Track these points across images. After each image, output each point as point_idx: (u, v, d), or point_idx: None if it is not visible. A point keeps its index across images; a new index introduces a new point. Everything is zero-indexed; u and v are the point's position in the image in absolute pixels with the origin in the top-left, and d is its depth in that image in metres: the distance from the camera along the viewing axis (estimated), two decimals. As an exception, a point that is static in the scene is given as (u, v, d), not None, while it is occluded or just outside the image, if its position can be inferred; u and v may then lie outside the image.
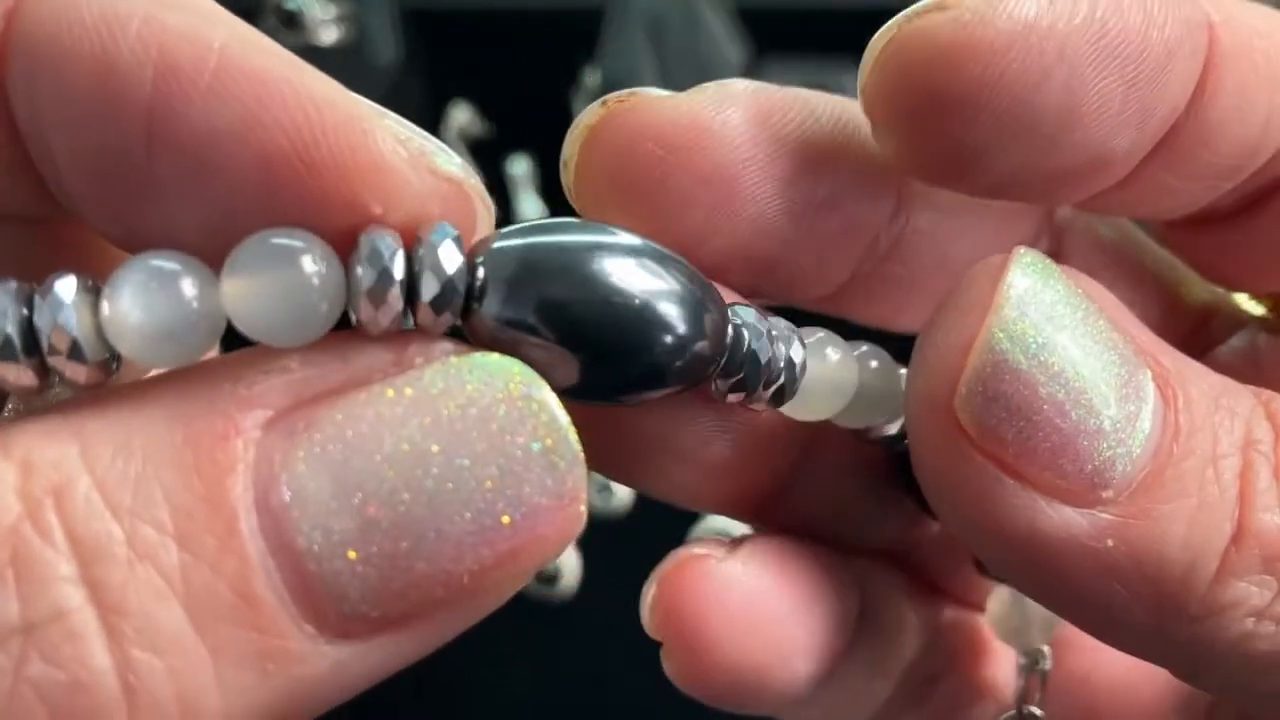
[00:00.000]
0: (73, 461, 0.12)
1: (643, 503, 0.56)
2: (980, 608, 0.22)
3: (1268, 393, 0.17)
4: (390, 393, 0.13)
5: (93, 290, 0.13)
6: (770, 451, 0.18)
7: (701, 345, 0.15)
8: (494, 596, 0.13)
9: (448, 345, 0.13)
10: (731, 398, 0.16)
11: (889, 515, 0.20)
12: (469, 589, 0.13)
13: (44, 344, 0.13)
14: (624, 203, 0.17)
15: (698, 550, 0.18)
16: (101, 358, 0.13)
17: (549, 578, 0.54)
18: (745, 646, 0.18)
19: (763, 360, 0.16)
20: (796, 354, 0.16)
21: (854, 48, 0.17)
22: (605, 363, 0.14)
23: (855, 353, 0.17)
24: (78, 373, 0.13)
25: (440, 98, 0.60)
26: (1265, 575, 0.15)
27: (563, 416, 0.13)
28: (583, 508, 0.13)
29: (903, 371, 0.17)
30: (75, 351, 0.13)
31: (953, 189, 0.18)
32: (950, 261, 0.19)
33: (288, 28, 0.52)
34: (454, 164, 0.14)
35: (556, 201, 0.65)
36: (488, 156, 0.59)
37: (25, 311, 0.13)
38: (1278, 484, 0.15)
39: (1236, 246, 0.20)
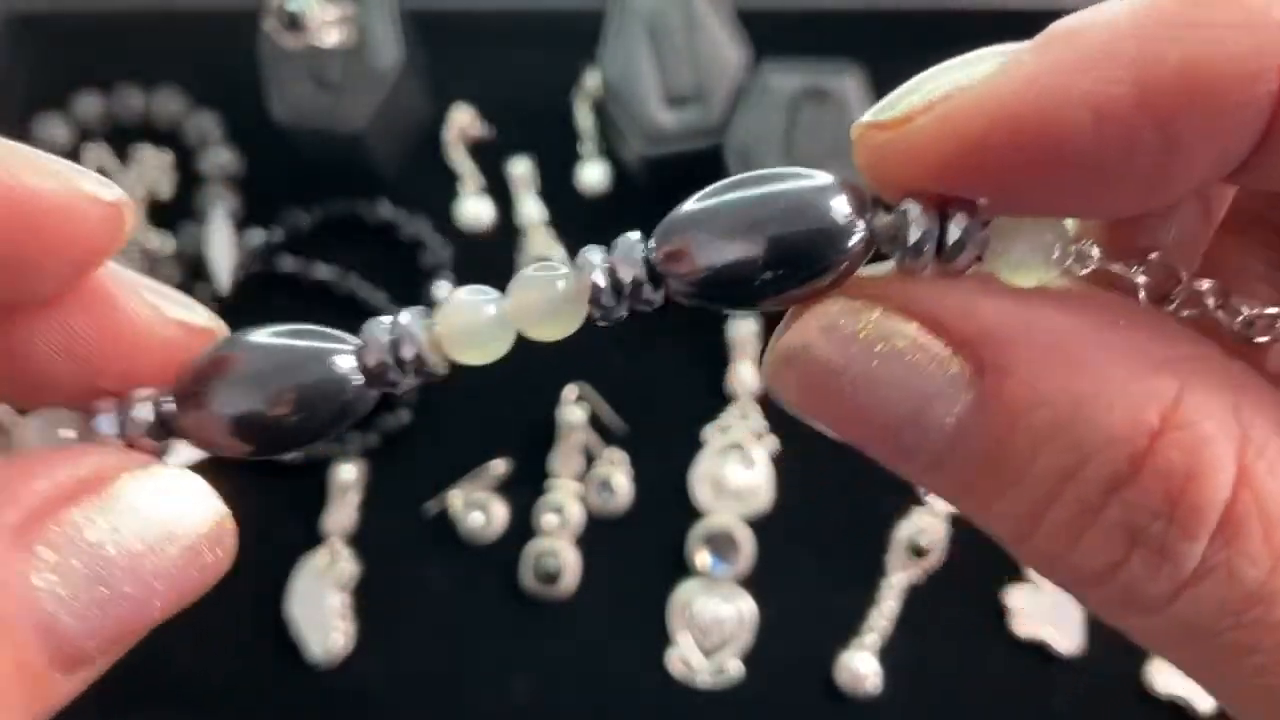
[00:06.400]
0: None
1: (643, 503, 0.56)
2: None
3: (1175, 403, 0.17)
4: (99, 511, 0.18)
5: (425, 313, 0.19)
6: None
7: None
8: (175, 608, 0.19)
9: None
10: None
11: None
12: (158, 618, 0.18)
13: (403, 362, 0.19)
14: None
15: None
16: (440, 365, 0.19)
17: (549, 577, 0.54)
18: None
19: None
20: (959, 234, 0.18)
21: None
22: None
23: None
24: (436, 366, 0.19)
25: (441, 99, 0.60)
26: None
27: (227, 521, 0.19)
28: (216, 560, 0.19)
29: None
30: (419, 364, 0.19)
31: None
32: None
33: (290, 29, 0.52)
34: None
35: (557, 202, 0.65)
36: (488, 157, 0.60)
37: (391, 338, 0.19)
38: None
39: None
